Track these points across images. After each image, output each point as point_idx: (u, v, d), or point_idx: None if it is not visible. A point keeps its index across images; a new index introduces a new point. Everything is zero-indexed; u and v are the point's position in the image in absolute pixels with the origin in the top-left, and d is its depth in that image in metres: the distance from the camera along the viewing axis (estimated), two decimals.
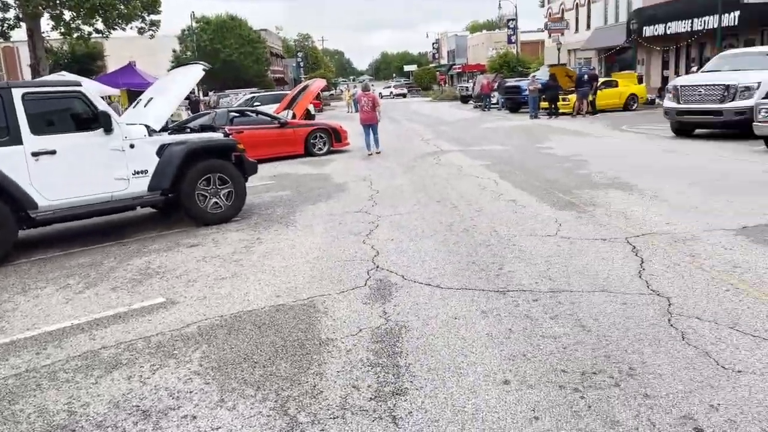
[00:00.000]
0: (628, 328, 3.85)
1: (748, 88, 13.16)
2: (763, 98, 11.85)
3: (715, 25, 23.80)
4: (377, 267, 5.53)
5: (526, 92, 26.21)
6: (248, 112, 16.15)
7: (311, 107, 26.76)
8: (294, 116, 16.83)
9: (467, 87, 44.60)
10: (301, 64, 74.72)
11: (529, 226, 6.70)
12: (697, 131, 14.93)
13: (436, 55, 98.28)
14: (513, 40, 54.11)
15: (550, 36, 45.80)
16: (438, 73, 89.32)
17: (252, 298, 4.95)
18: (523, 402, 3.06)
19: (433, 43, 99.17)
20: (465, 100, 42.66)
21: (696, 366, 3.30)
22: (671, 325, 3.84)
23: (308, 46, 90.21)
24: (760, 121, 11.21)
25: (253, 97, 28.60)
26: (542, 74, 27.34)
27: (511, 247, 5.86)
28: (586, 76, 23.65)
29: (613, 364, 3.39)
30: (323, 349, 3.84)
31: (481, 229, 6.66)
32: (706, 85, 14.08)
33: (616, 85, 26.14)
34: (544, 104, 25.01)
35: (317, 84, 19.23)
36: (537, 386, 3.20)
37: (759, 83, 12.91)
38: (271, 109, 19.94)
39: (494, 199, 8.36)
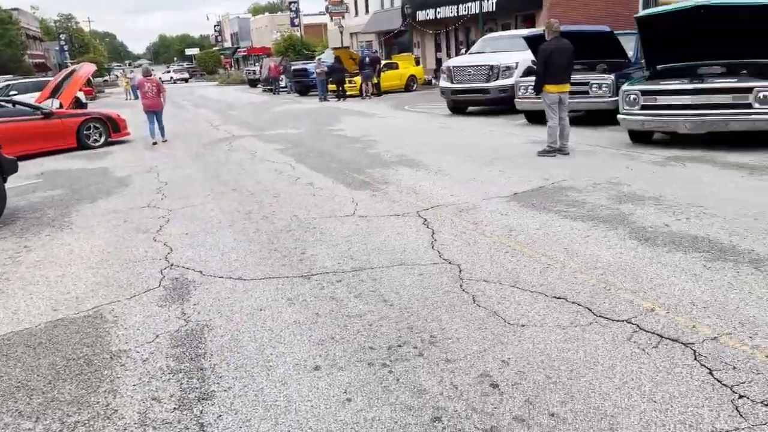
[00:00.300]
0: (427, 297, 4.05)
1: (508, 68, 14.72)
2: (522, 77, 13.31)
3: (477, 11, 26.19)
4: (172, 265, 5.15)
5: (314, 75, 26.50)
6: (2, 103, 14.04)
7: (81, 95, 24.19)
8: (61, 105, 15.05)
9: (254, 70, 43.82)
10: (66, 47, 67.05)
11: (328, 207, 6.76)
12: (470, 108, 16.35)
13: (219, 38, 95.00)
14: (296, 23, 54.19)
15: (332, 19, 46.73)
16: (222, 56, 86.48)
17: (23, 315, 4.30)
18: (335, 385, 3.05)
19: (214, 26, 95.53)
20: (253, 83, 41.88)
21: (487, 326, 3.58)
22: (463, 290, 4.13)
23: (72, 27, 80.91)
24: (520, 98, 12.60)
25: (9, 85, 24.96)
26: (327, 57, 27.81)
27: (312, 231, 5.86)
28: (368, 59, 24.52)
29: (416, 334, 3.53)
30: (115, 363, 3.47)
31: (281, 215, 6.56)
32: (474, 65, 15.45)
33: (397, 67, 27.59)
34: (332, 87, 25.50)
35: (86, 69, 17.37)
36: (347, 367, 3.22)
37: (517, 63, 14.50)
38: (32, 98, 17.56)
39: (292, 183, 8.30)
